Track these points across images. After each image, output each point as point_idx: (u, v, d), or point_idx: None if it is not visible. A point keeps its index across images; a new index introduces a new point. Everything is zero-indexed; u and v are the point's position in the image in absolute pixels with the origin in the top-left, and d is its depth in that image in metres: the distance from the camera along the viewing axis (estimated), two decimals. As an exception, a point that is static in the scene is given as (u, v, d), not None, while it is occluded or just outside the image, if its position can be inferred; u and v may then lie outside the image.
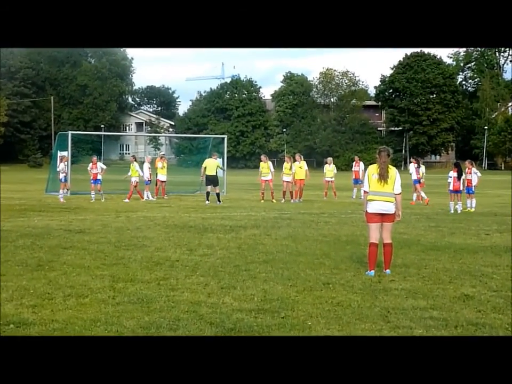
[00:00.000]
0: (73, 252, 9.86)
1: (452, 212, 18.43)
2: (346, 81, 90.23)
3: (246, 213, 17.61)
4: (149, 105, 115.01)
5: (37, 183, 33.48)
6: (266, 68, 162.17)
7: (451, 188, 18.57)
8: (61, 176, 22.05)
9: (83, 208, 18.91)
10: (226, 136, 31.61)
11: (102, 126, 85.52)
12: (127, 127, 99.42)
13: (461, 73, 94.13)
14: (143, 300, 6.68)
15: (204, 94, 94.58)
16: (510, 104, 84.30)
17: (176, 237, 11.95)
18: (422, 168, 23.93)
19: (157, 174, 24.18)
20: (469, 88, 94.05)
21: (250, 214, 17.07)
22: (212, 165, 21.65)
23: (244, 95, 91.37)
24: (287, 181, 22.78)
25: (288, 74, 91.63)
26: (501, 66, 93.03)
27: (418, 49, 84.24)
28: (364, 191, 8.72)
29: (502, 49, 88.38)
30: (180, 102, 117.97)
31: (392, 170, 8.50)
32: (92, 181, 22.58)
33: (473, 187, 19.01)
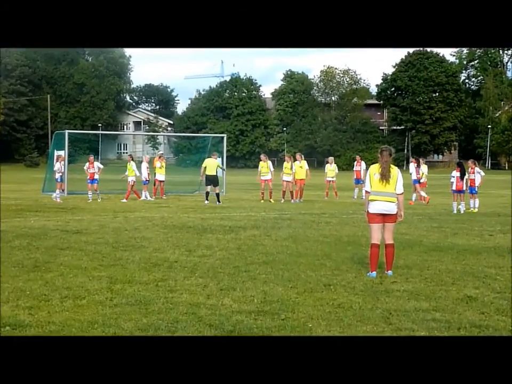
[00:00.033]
0: (70, 253, 9.86)
1: (455, 212, 18.44)
2: (348, 80, 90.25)
3: (246, 213, 17.61)
4: (147, 104, 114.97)
5: (34, 183, 33.48)
6: (266, 66, 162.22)
7: (454, 187, 18.58)
8: (57, 176, 22.05)
9: (80, 208, 18.91)
10: (225, 135, 31.62)
11: (100, 125, 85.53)
12: (125, 126, 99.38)
13: (464, 71, 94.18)
14: (141, 301, 6.67)
15: (203, 93, 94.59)
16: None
17: (175, 237, 11.95)
18: (425, 167, 23.95)
19: (155, 173, 24.19)
20: (472, 87, 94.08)
21: (250, 215, 17.07)
22: (212, 164, 21.65)
23: (244, 94, 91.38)
24: (287, 181, 22.78)
25: (289, 72, 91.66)
26: (505, 64, 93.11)
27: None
28: (366, 191, 8.73)
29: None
30: (178, 100, 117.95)
31: (394, 170, 8.50)
32: (88, 181, 22.59)
33: (476, 187, 19.02)
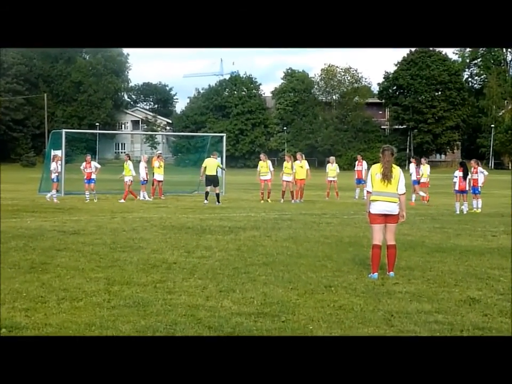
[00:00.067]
0: (67, 254, 9.86)
1: (458, 212, 18.44)
2: (349, 78, 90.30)
3: (246, 213, 17.61)
4: (145, 103, 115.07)
5: (30, 183, 33.49)
6: (266, 65, 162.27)
7: (457, 188, 18.59)
8: (53, 176, 22.04)
9: (77, 208, 18.91)
10: (225, 134, 31.63)
11: (97, 124, 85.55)
12: (123, 125, 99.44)
13: (467, 69, 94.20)
14: (139, 303, 6.67)
15: (202, 91, 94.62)
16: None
17: (174, 238, 11.96)
18: (427, 167, 23.97)
19: (153, 173, 24.19)
20: (475, 85, 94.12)
21: (250, 215, 17.08)
22: (212, 164, 21.64)
23: (243, 92, 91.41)
24: (287, 181, 22.78)
25: (289, 71, 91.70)
26: (508, 62, 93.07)
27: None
28: (367, 191, 8.72)
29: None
30: (177, 99, 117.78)
31: (396, 170, 8.50)
32: (85, 181, 22.59)
33: (479, 187, 19.03)
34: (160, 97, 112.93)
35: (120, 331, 5.64)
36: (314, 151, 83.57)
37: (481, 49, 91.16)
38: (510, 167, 77.80)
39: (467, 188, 18.55)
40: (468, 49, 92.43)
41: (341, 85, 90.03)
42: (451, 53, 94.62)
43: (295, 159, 23.60)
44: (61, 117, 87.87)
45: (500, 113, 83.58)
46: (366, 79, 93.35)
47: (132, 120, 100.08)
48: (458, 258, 9.94)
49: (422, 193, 22.84)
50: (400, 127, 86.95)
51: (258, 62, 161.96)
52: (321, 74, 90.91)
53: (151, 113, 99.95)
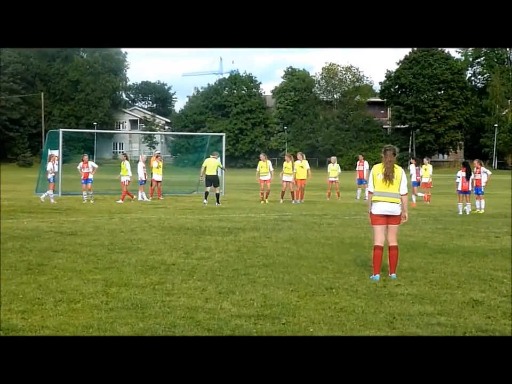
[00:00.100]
0: (64, 255, 9.86)
1: (461, 213, 18.45)
2: (350, 77, 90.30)
3: (245, 214, 17.61)
4: (143, 102, 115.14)
5: (27, 183, 33.49)
6: (267, 63, 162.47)
7: (459, 188, 18.60)
8: (50, 176, 22.03)
9: (75, 209, 18.92)
10: (224, 134, 31.63)
11: (95, 123, 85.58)
12: (121, 125, 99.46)
13: (469, 68, 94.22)
14: (138, 305, 6.68)
15: (201, 90, 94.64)
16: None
17: (172, 239, 11.96)
18: (429, 167, 23.99)
19: (152, 173, 24.19)
20: (478, 84, 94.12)
21: (250, 216, 17.08)
22: (212, 164, 21.64)
23: (243, 91, 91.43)
24: (287, 181, 22.77)
25: (289, 69, 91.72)
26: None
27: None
28: (369, 191, 8.72)
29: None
30: (176, 98, 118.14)
31: (398, 170, 8.50)
32: (82, 181, 22.58)
33: (482, 187, 19.03)
34: (158, 96, 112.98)
35: (118, 333, 5.64)
36: (315, 151, 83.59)
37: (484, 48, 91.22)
38: (513, 167, 77.85)
39: (470, 188, 18.55)
40: (471, 48, 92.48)
41: (342, 83, 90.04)
42: (454, 51, 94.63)
43: (296, 159, 23.60)
44: (58, 116, 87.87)
45: (503, 113, 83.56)
46: (367, 78, 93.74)
47: (130, 120, 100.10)
48: (461, 260, 9.94)
49: (420, 194, 22.91)
50: (402, 126, 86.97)
51: (258, 60, 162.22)
52: (322, 73, 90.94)
53: (149, 113, 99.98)
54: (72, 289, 7.40)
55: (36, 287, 7.51)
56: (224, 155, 28.98)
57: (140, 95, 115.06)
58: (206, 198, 21.26)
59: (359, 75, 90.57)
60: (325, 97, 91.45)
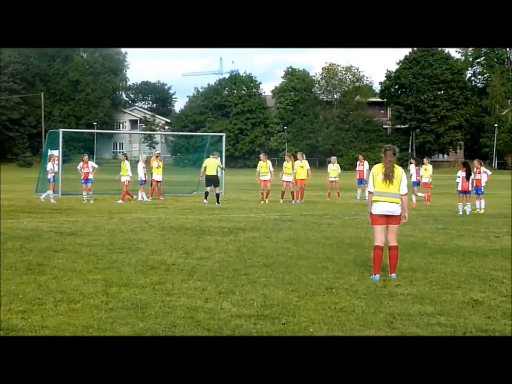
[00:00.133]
0: (64, 255, 9.86)
1: (461, 213, 18.45)
2: (350, 77, 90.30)
3: (245, 214, 17.61)
4: (143, 102, 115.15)
5: (27, 183, 33.49)
6: (267, 63, 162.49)
7: (459, 188, 18.60)
8: (50, 176, 22.02)
9: (75, 209, 18.92)
10: (224, 134, 31.63)
11: (95, 123, 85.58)
12: (121, 125, 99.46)
13: (469, 68, 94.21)
14: (138, 305, 6.68)
15: (201, 90, 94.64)
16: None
17: (172, 239, 11.96)
18: (430, 167, 23.99)
19: (152, 173, 24.19)
20: (478, 84, 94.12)
21: (250, 216, 17.08)
22: (212, 164, 21.64)
23: (243, 91, 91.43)
24: (287, 181, 22.77)
25: (289, 69, 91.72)
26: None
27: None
28: (369, 191, 8.73)
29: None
30: (176, 98, 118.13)
31: (398, 170, 8.50)
32: (82, 181, 22.58)
33: (482, 187, 19.03)
34: (158, 96, 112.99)
35: (118, 333, 5.65)
36: (315, 151, 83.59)
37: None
38: (513, 167, 77.85)
39: (470, 188, 18.55)
40: (471, 48, 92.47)
41: (342, 83, 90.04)
42: (454, 51, 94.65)
43: (296, 159, 23.60)
44: (58, 116, 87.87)
45: (503, 113, 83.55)
46: (367, 77, 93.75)
47: (130, 120, 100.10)
48: (461, 260, 9.94)
49: (420, 194, 22.94)
50: (402, 126, 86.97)
51: (258, 60, 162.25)
52: (322, 73, 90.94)
53: (149, 113, 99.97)
54: (72, 289, 7.40)
55: (36, 287, 7.51)
56: (224, 155, 28.98)
57: (140, 95, 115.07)
58: (206, 198, 21.26)
59: (359, 75, 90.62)
60: (325, 97, 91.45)
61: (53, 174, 22.18)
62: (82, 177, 22.64)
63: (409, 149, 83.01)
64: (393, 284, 7.97)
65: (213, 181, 21.46)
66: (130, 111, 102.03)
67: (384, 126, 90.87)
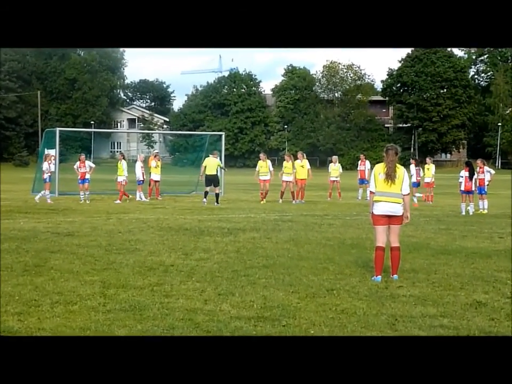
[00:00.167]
0: (61, 256, 9.86)
1: (464, 213, 18.45)
2: (351, 75, 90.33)
3: (245, 214, 17.62)
4: (141, 101, 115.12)
5: (23, 183, 33.48)
6: (267, 61, 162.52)
7: (462, 188, 18.59)
8: (45, 176, 22.00)
9: (72, 209, 18.92)
10: (224, 133, 31.63)
11: (92, 122, 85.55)
12: (119, 124, 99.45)
13: (473, 66, 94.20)
14: (136, 307, 6.68)
15: (200, 89, 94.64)
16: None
17: (171, 240, 11.96)
18: (432, 167, 24.00)
19: (150, 173, 24.19)
20: (482, 83, 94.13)
21: (250, 216, 17.08)
22: (212, 164, 21.64)
23: (243, 90, 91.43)
24: (287, 181, 22.77)
25: (290, 67, 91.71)
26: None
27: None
28: (370, 191, 8.73)
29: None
30: (174, 97, 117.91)
31: (400, 170, 8.50)
32: (79, 181, 22.57)
33: (485, 187, 19.04)
34: (157, 94, 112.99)
35: (115, 335, 5.64)
36: (315, 150, 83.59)
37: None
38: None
39: (473, 188, 18.56)
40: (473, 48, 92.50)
41: (343, 82, 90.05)
42: (457, 49, 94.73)
43: (296, 158, 23.60)
44: (54, 115, 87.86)
45: (507, 111, 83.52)
46: (369, 76, 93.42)
47: (128, 119, 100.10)
48: (464, 261, 9.94)
49: (418, 194, 22.98)
50: (404, 125, 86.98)
51: (258, 58, 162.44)
52: (323, 71, 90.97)
53: (147, 111, 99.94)
54: (69, 291, 7.40)
55: (32, 288, 7.51)
56: (223, 154, 28.99)
57: (138, 93, 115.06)
58: (205, 198, 21.27)
59: (361, 73, 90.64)
60: (325, 96, 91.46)
61: (49, 174, 22.15)
62: (79, 177, 22.64)
63: (412, 148, 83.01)
64: (395, 285, 7.97)
65: (212, 180, 21.47)
66: (128, 109, 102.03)
67: (386, 125, 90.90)
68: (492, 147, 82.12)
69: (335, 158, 26.60)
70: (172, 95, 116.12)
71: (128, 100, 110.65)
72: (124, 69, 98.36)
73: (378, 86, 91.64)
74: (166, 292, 7.42)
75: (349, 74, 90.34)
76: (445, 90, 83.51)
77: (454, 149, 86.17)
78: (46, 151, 25.68)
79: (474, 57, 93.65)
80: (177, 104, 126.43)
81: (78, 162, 22.94)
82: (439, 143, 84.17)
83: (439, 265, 9.48)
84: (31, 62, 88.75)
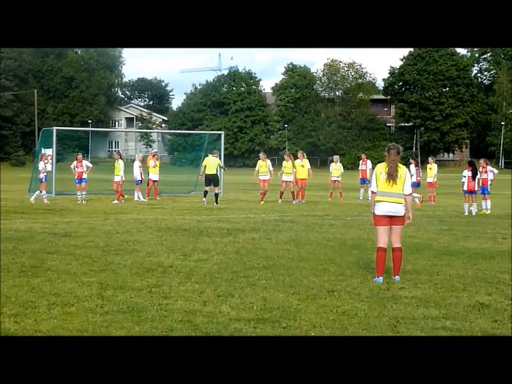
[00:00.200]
0: (58, 257, 9.86)
1: (466, 214, 18.46)
2: (353, 73, 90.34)
3: (245, 215, 17.62)
4: (140, 99, 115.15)
5: (19, 183, 33.49)
6: (267, 59, 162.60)
7: (465, 188, 18.60)
8: (41, 175, 21.99)
9: (69, 209, 18.92)
10: (223, 132, 31.64)
11: (90, 121, 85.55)
12: (117, 123, 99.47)
13: (476, 64, 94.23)
14: (134, 308, 6.68)
15: (199, 87, 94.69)
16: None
17: (169, 241, 11.96)
18: (434, 167, 24.00)
19: (148, 173, 24.19)
20: (485, 81, 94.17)
21: (249, 216, 17.09)
22: (212, 163, 21.65)
23: (243, 88, 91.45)
24: (287, 181, 22.77)
25: (290, 65, 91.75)
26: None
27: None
28: (371, 191, 8.74)
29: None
30: (173, 95, 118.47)
31: (402, 170, 8.51)
32: (76, 181, 22.56)
33: (488, 186, 19.04)
34: (155, 93, 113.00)
35: (113, 338, 5.65)
36: (316, 150, 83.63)
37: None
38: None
39: (476, 188, 18.56)
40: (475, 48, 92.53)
41: (344, 80, 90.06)
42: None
43: (296, 158, 23.61)
44: (51, 114, 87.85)
45: (511, 110, 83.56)
46: (370, 74, 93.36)
47: (126, 117, 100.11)
48: (467, 262, 9.95)
49: (415, 195, 22.97)
50: (406, 124, 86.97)
51: (258, 56, 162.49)
52: (323, 70, 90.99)
53: (146, 110, 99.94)
54: (66, 292, 7.40)
55: (29, 289, 7.51)
56: (222, 154, 28.99)
57: (136, 92, 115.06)
58: (205, 197, 21.28)
59: (362, 72, 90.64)
60: (326, 95, 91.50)
61: (45, 174, 22.15)
62: (76, 176, 22.64)
63: (414, 148, 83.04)
64: (397, 287, 7.97)
65: (212, 180, 21.48)
66: (126, 108, 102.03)
67: (387, 124, 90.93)
68: (495, 146, 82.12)
69: (336, 157, 26.62)
70: (170, 93, 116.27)
71: (126, 99, 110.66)
72: (121, 67, 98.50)
73: (380, 84, 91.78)
74: (165, 293, 7.42)
75: (350, 73, 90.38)
76: (448, 88, 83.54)
77: (457, 148, 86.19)
78: (43, 151, 25.69)
79: (477, 55, 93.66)
80: (176, 102, 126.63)
81: (75, 162, 22.93)
82: (442, 142, 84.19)
83: (441, 266, 9.48)
84: (27, 60, 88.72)
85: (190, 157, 47.09)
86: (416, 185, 23.19)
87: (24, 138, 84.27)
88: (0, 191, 22.44)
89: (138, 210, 19.04)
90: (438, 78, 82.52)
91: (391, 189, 8.38)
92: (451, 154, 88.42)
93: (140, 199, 23.01)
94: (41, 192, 21.70)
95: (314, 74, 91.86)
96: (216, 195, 21.37)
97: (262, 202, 22.24)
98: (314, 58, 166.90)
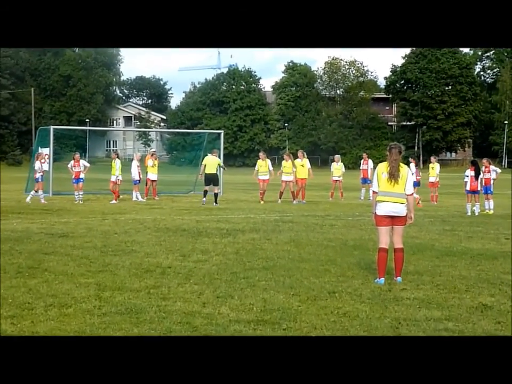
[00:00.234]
0: (55, 258, 9.86)
1: (469, 214, 18.46)
2: (354, 72, 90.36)
3: (245, 215, 17.63)
4: (138, 98, 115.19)
5: (16, 183, 33.49)
6: (267, 57, 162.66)
7: (468, 188, 18.60)
8: (37, 175, 21.99)
9: (66, 209, 18.92)
10: (223, 131, 31.65)
11: (87, 120, 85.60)
12: (115, 122, 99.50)
13: (478, 63, 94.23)
14: (132, 310, 6.68)
15: (198, 86, 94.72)
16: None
17: (168, 241, 11.97)
18: (437, 166, 24.01)
19: (147, 172, 24.20)
20: (488, 79, 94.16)
21: (249, 217, 17.09)
22: (212, 162, 21.65)
23: (242, 87, 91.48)
24: (286, 181, 22.77)
25: (290, 64, 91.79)
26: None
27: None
28: (373, 191, 8.74)
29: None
30: (172, 94, 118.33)
31: (404, 169, 8.51)
32: (73, 180, 22.56)
33: (491, 186, 19.04)
34: (154, 91, 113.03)
35: (111, 339, 5.65)
36: (317, 149, 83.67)
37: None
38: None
39: (479, 188, 18.56)
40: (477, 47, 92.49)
41: (345, 79, 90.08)
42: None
43: (296, 157, 23.61)
44: (48, 113, 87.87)
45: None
46: (372, 72, 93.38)
47: (124, 116, 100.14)
48: (469, 263, 9.95)
49: (415, 196, 23.02)
50: (408, 123, 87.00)
51: (257, 55, 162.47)
52: (324, 68, 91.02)
53: (144, 109, 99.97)
54: (63, 293, 7.40)
55: (26, 291, 7.51)
56: (222, 153, 28.99)
57: (134, 90, 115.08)
58: (204, 197, 21.29)
59: (363, 70, 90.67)
60: (327, 93, 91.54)
61: (41, 173, 22.15)
62: (73, 176, 22.64)
63: (416, 147, 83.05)
64: (399, 288, 7.97)
65: (212, 179, 21.48)
66: (124, 107, 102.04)
67: (389, 123, 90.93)
68: (498, 145, 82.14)
69: (337, 157, 26.63)
70: (169, 92, 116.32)
71: (124, 97, 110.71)
72: (119, 66, 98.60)
73: (382, 83, 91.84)
74: (163, 295, 7.42)
75: (351, 71, 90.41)
76: (450, 87, 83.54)
77: (459, 147, 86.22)
78: (40, 150, 25.70)
79: (480, 53, 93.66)
80: (175, 101, 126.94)
81: (72, 161, 22.93)
82: (444, 141, 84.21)
83: (443, 267, 9.48)
84: (24, 58, 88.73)
85: (189, 156, 47.07)
86: (416, 184, 23.22)
87: (21, 137, 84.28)
88: (0, 191, 22.46)
89: (137, 210, 19.04)
90: (441, 76, 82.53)
91: (393, 189, 8.39)
92: (453, 154, 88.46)
93: (138, 199, 23.01)
94: (36, 191, 21.69)
95: (315, 72, 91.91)
96: (216, 195, 21.37)
97: (261, 202, 22.25)
98: (315, 57, 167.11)
